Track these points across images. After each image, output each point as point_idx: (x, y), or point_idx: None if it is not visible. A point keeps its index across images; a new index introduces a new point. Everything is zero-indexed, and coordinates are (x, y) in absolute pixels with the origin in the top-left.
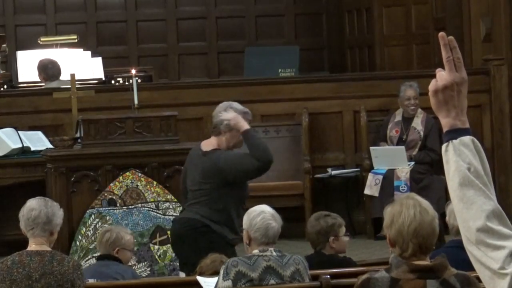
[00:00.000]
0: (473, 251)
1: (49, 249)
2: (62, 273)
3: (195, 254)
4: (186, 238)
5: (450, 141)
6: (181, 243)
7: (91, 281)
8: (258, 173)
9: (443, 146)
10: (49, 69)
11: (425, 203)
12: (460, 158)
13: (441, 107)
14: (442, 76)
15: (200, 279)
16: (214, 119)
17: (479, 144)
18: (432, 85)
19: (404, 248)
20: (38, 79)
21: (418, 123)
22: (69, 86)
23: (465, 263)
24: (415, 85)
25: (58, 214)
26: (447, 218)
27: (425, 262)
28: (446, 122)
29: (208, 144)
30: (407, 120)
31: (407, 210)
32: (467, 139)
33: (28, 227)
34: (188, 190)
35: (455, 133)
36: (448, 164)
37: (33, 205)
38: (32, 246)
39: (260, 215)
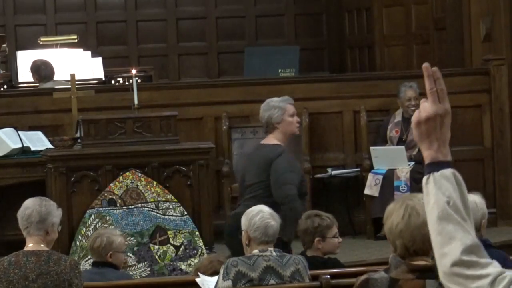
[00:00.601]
0: (450, 285)
1: (46, 248)
2: (59, 273)
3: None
4: (237, 231)
5: (431, 174)
6: (232, 236)
7: None
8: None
9: (424, 179)
10: (42, 70)
11: (421, 205)
12: (440, 191)
13: (423, 139)
14: (425, 108)
15: (199, 278)
16: (262, 120)
17: (460, 177)
18: (415, 117)
19: (394, 246)
20: None
21: None
22: (64, 87)
23: None
24: (415, 86)
25: (55, 213)
26: None
27: (425, 262)
28: (428, 154)
29: (268, 141)
30: (407, 121)
31: (398, 210)
32: (448, 172)
33: (23, 226)
34: (245, 188)
35: (437, 165)
36: (428, 196)
37: (28, 204)
38: (29, 246)
39: (259, 215)
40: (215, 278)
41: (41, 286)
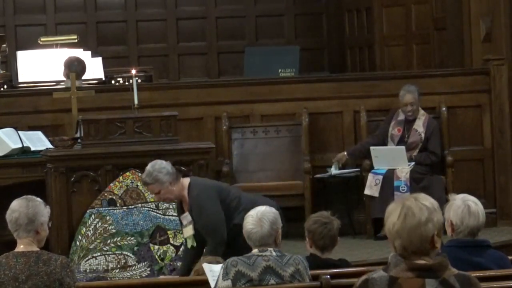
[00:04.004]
0: None
1: (36, 249)
2: (49, 273)
3: None
4: None
5: None
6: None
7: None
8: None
9: None
10: (73, 66)
11: (420, 206)
12: None
13: None
14: None
15: (206, 266)
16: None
17: None
18: None
19: (394, 247)
20: (38, 79)
21: (419, 125)
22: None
23: (464, 263)
24: (414, 89)
25: (42, 212)
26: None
27: (425, 261)
28: None
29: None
30: (409, 122)
31: (395, 210)
32: None
33: (12, 229)
34: None
35: None
36: None
37: (14, 207)
38: (20, 247)
39: (247, 219)
40: (219, 265)
41: (32, 287)
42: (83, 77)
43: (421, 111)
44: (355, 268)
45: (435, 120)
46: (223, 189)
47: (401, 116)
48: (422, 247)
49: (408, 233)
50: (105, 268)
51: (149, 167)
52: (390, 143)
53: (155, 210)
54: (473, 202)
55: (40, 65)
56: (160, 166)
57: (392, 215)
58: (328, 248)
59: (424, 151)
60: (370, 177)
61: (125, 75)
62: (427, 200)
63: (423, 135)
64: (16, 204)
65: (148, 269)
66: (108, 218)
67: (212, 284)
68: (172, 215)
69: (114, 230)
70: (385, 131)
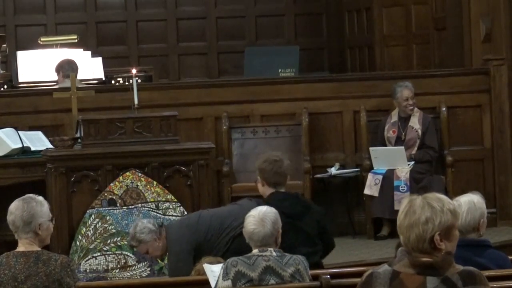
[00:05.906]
0: None
1: (37, 249)
2: (48, 273)
3: None
4: None
5: None
6: None
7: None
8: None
9: None
10: (65, 69)
11: (423, 205)
12: None
13: None
14: None
15: (206, 266)
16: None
17: None
18: None
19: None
20: (38, 79)
21: (415, 122)
22: (80, 86)
23: (465, 262)
24: (410, 85)
25: (39, 213)
26: None
27: (427, 258)
28: None
29: None
30: (404, 120)
31: (403, 205)
32: None
33: (12, 230)
34: None
35: None
36: None
37: (11, 209)
38: (21, 247)
39: (248, 219)
40: (220, 265)
41: (31, 287)
42: (80, 77)
43: (415, 109)
44: (355, 268)
45: (429, 116)
46: (199, 224)
47: (394, 118)
48: (420, 246)
49: (406, 230)
50: (105, 268)
51: (131, 230)
52: (388, 145)
53: (155, 210)
54: (458, 202)
55: (40, 65)
56: (141, 227)
57: (400, 210)
58: (281, 185)
59: (422, 147)
60: (370, 176)
61: (125, 75)
62: (437, 201)
63: (419, 131)
64: (13, 206)
65: (148, 269)
66: (108, 218)
67: (213, 284)
68: (172, 215)
69: (114, 230)
70: (382, 137)
